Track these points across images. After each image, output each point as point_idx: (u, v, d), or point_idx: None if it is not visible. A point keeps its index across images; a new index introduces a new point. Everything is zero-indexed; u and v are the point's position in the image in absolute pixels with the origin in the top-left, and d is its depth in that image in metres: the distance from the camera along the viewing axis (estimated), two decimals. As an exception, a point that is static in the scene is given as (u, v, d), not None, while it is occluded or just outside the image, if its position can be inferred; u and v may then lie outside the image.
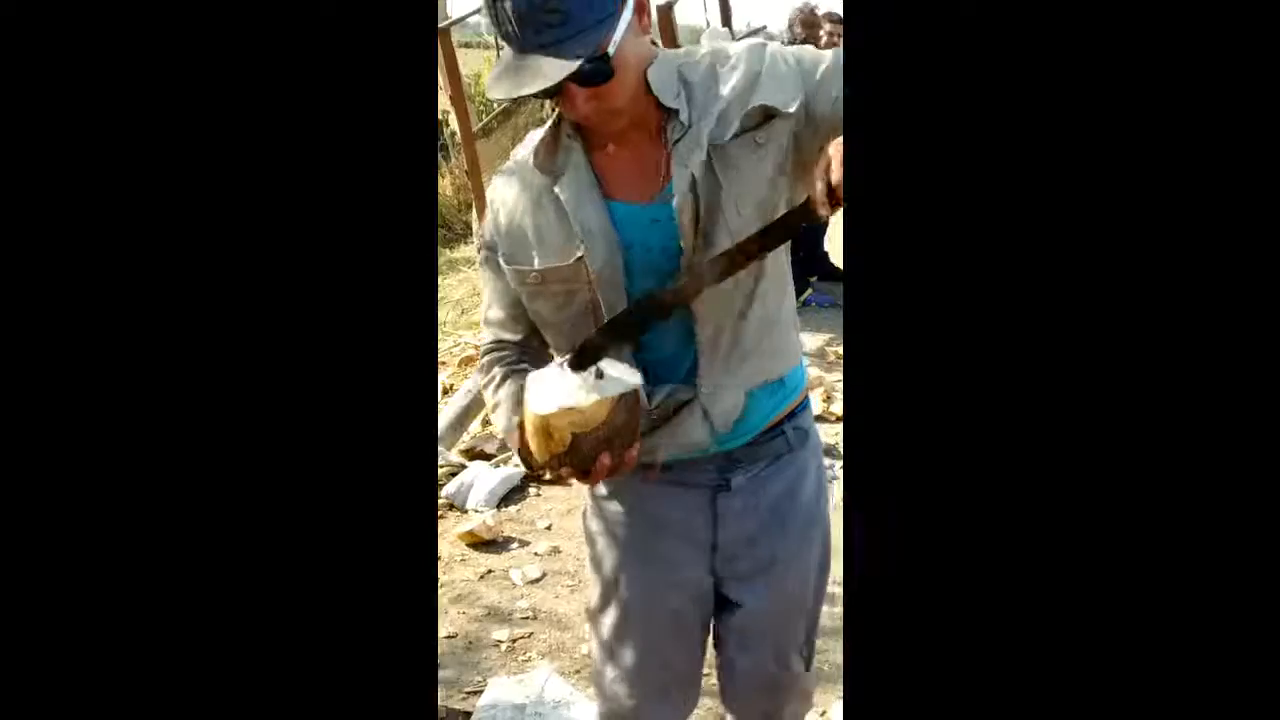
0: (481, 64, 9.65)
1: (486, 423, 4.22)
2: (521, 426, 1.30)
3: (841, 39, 5.60)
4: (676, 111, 1.29)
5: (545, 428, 1.23)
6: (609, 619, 1.58)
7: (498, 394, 1.46)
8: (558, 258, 1.35)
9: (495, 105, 8.33)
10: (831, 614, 1.74)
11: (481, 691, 2.46)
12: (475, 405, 3.94)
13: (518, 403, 1.37)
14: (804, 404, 1.51)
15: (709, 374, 1.38)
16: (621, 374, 1.26)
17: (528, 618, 2.81)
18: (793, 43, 5.26)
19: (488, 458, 3.84)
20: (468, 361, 5.20)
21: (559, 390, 1.24)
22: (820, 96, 1.27)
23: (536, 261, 1.37)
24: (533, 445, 1.27)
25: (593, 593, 1.60)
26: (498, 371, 1.47)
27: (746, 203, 1.28)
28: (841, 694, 2.41)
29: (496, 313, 1.50)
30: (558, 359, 1.30)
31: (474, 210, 5.60)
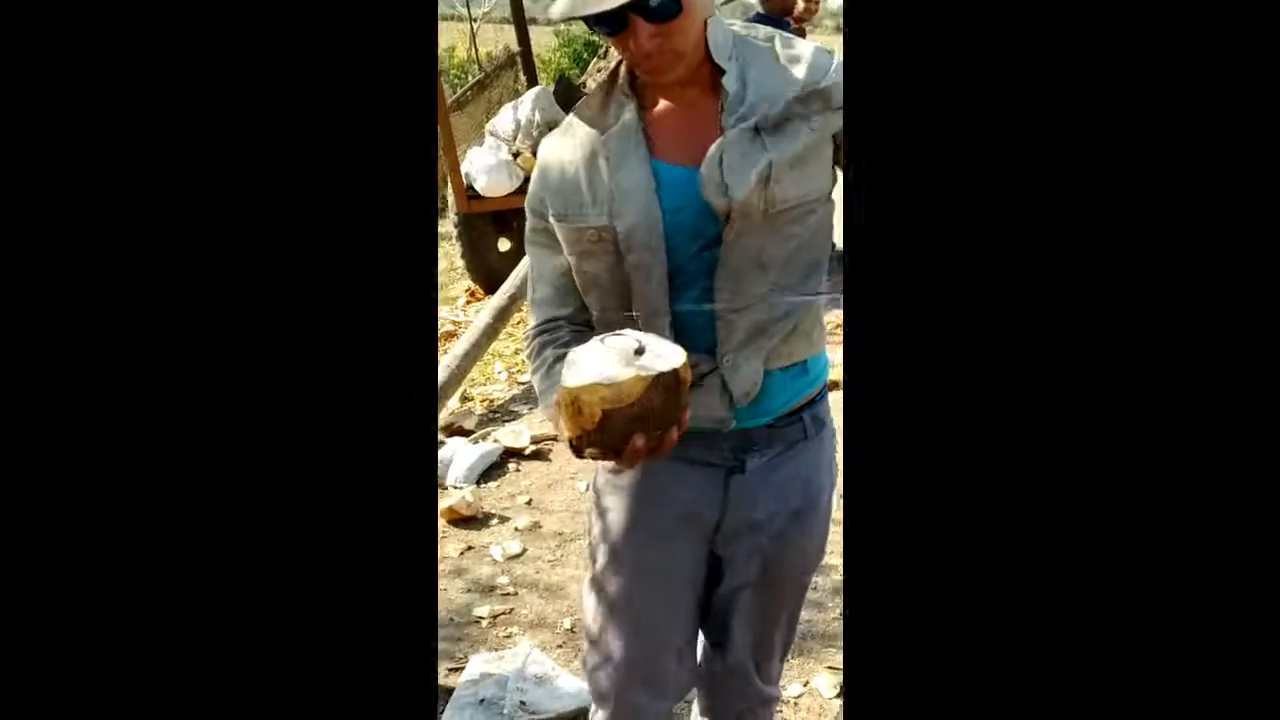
0: (456, 36, 9.56)
1: (465, 398, 4.20)
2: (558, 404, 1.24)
3: (818, 5, 5.56)
4: (725, 74, 1.28)
5: (574, 402, 1.17)
6: (608, 590, 1.55)
7: (548, 378, 1.41)
8: (607, 216, 1.32)
9: (469, 78, 8.27)
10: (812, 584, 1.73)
11: (463, 668, 2.45)
12: (453, 381, 3.92)
13: None
14: (823, 394, 1.50)
15: (727, 345, 1.35)
16: (664, 351, 1.20)
17: (509, 593, 2.80)
18: (769, 14, 5.22)
19: (466, 434, 3.82)
20: (448, 337, 5.17)
21: (594, 364, 1.18)
22: None
23: (591, 218, 1.33)
24: (562, 421, 1.21)
25: (594, 564, 1.58)
26: (550, 354, 1.42)
27: (784, 174, 1.27)
28: (826, 665, 2.42)
29: (544, 289, 1.45)
30: (599, 335, 1.24)
31: (449, 185, 5.55)
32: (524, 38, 6.77)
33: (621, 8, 1.17)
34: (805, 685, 2.36)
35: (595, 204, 1.33)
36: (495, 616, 2.69)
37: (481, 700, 2.31)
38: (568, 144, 1.38)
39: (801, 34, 4.87)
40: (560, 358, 1.38)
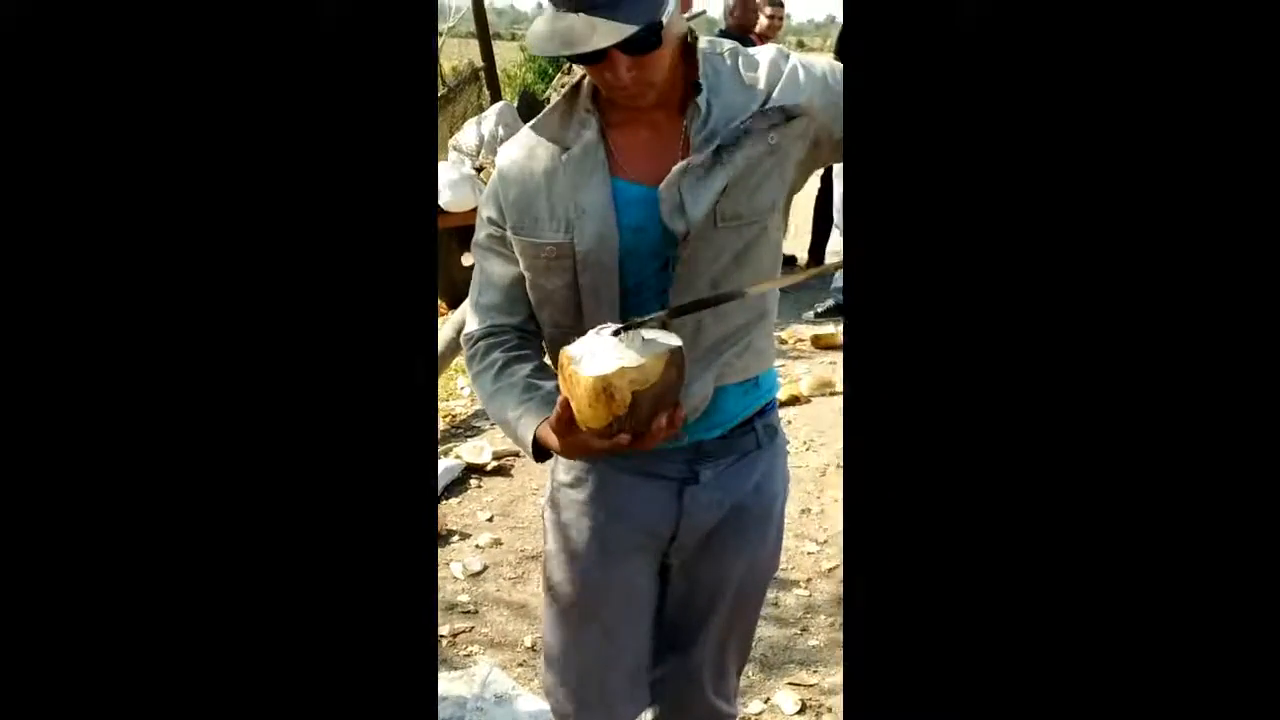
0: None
1: (427, 414, 4.18)
2: (565, 404, 1.23)
3: (781, 22, 5.60)
4: (699, 92, 1.29)
5: (607, 389, 1.18)
6: (563, 607, 1.55)
7: (499, 380, 1.39)
8: (565, 233, 1.32)
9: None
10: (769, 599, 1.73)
11: (422, 687, 2.43)
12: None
13: (525, 389, 1.35)
14: (773, 403, 1.51)
15: None
16: (658, 333, 1.23)
17: (469, 611, 2.78)
18: (733, 27, 5.25)
19: (428, 450, 3.80)
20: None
21: (610, 352, 1.19)
22: (835, 101, 1.31)
23: (547, 235, 1.33)
24: (590, 413, 1.20)
25: (548, 580, 1.57)
26: (498, 357, 1.41)
27: (737, 191, 1.28)
28: (787, 681, 2.42)
29: (492, 296, 1.43)
30: (597, 327, 1.24)
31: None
32: (488, 53, 6.77)
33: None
34: (766, 702, 2.36)
35: (552, 220, 1.33)
36: (456, 635, 2.67)
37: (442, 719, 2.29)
38: (526, 158, 1.37)
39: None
40: (510, 361, 1.39)
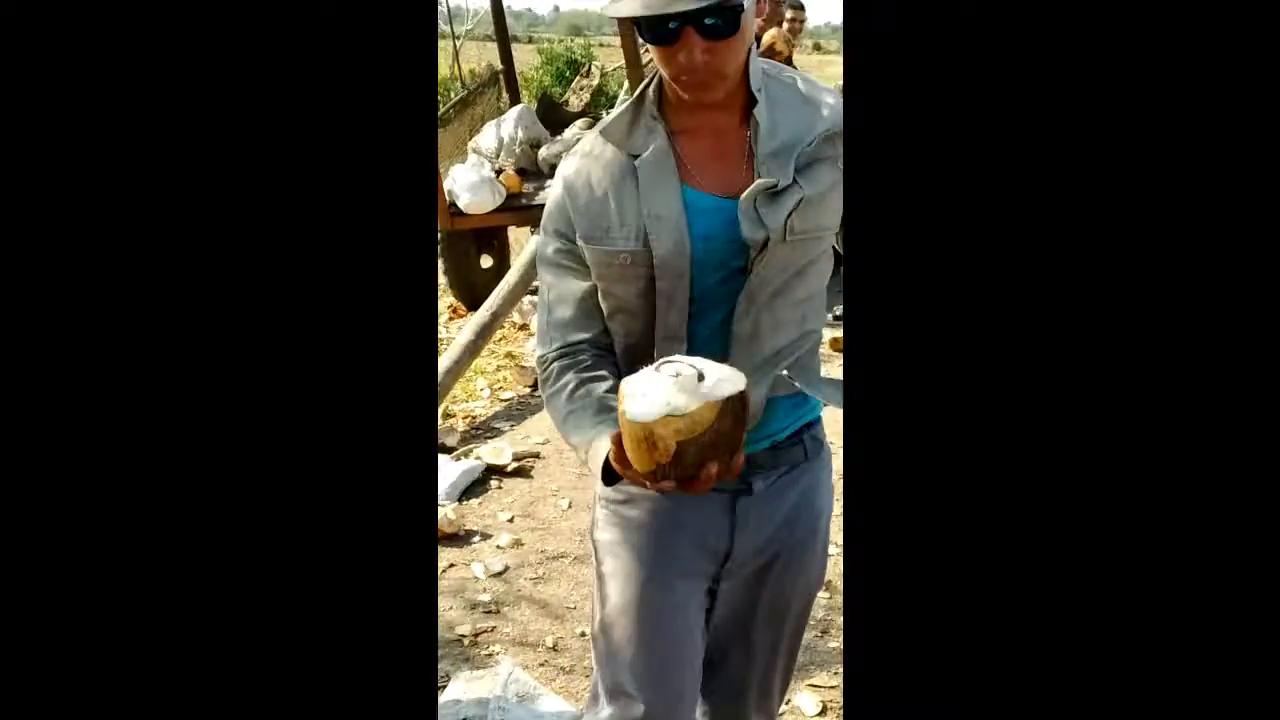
0: (438, 54, 9.58)
1: (447, 415, 4.19)
2: (617, 438, 1.20)
3: (802, 25, 5.59)
4: (757, 104, 1.30)
5: (649, 436, 1.12)
6: (619, 629, 1.47)
7: (571, 403, 1.37)
8: (639, 240, 1.32)
9: (451, 95, 8.27)
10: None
11: (445, 686, 2.44)
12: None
13: (599, 410, 1.33)
14: (819, 417, 1.50)
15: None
16: (724, 375, 1.16)
17: (490, 611, 2.79)
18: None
19: (449, 450, 3.81)
20: (427, 354, 5.15)
21: (660, 395, 1.13)
22: None
23: (619, 243, 1.33)
24: (633, 456, 1.16)
25: (601, 604, 1.50)
26: (570, 378, 1.38)
27: (809, 208, 1.30)
28: (808, 684, 2.42)
29: (565, 311, 1.40)
30: (654, 364, 1.19)
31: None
32: (507, 56, 6.79)
33: (678, 22, 1.20)
34: (788, 704, 2.36)
35: (623, 228, 1.32)
36: (477, 634, 2.68)
37: (464, 719, 2.29)
38: (593, 166, 1.37)
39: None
40: (584, 381, 1.37)
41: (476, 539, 3.20)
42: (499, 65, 6.91)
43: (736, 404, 1.13)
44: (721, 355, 1.32)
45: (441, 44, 9.41)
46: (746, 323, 1.34)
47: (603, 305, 1.38)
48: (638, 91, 1.38)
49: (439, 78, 9.95)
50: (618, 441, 1.19)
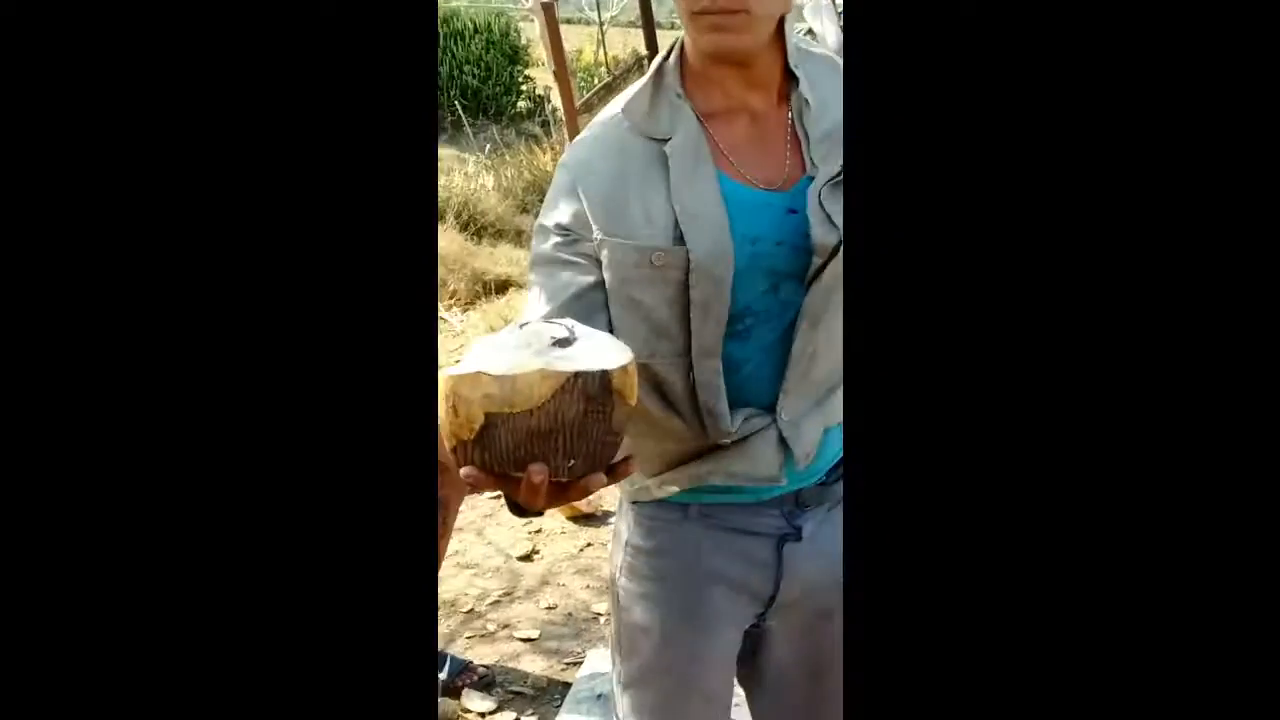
0: (584, 40, 9.69)
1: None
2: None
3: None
4: (798, 81, 1.13)
5: (450, 396, 0.82)
6: (649, 691, 1.33)
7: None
8: (669, 237, 1.10)
9: (596, 81, 8.35)
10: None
11: (581, 663, 2.48)
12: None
13: None
14: None
15: (794, 400, 1.17)
16: (599, 347, 0.85)
17: (627, 591, 2.82)
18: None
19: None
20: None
21: (493, 352, 0.84)
22: None
23: (644, 239, 1.11)
24: (440, 421, 0.83)
25: (626, 657, 1.34)
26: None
27: None
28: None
29: (545, 307, 1.13)
30: (537, 319, 0.92)
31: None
32: (651, 41, 6.80)
33: None
34: None
35: (648, 223, 1.11)
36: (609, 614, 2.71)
37: (599, 696, 2.33)
38: (610, 151, 1.16)
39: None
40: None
41: (614, 519, 3.23)
42: (644, 51, 6.93)
43: (595, 387, 0.80)
44: (774, 382, 1.16)
45: (587, 30, 9.51)
46: (807, 343, 1.14)
47: (615, 313, 1.13)
48: (654, 64, 1.17)
49: (584, 64, 10.07)
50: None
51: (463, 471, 0.82)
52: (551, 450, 0.81)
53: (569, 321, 0.88)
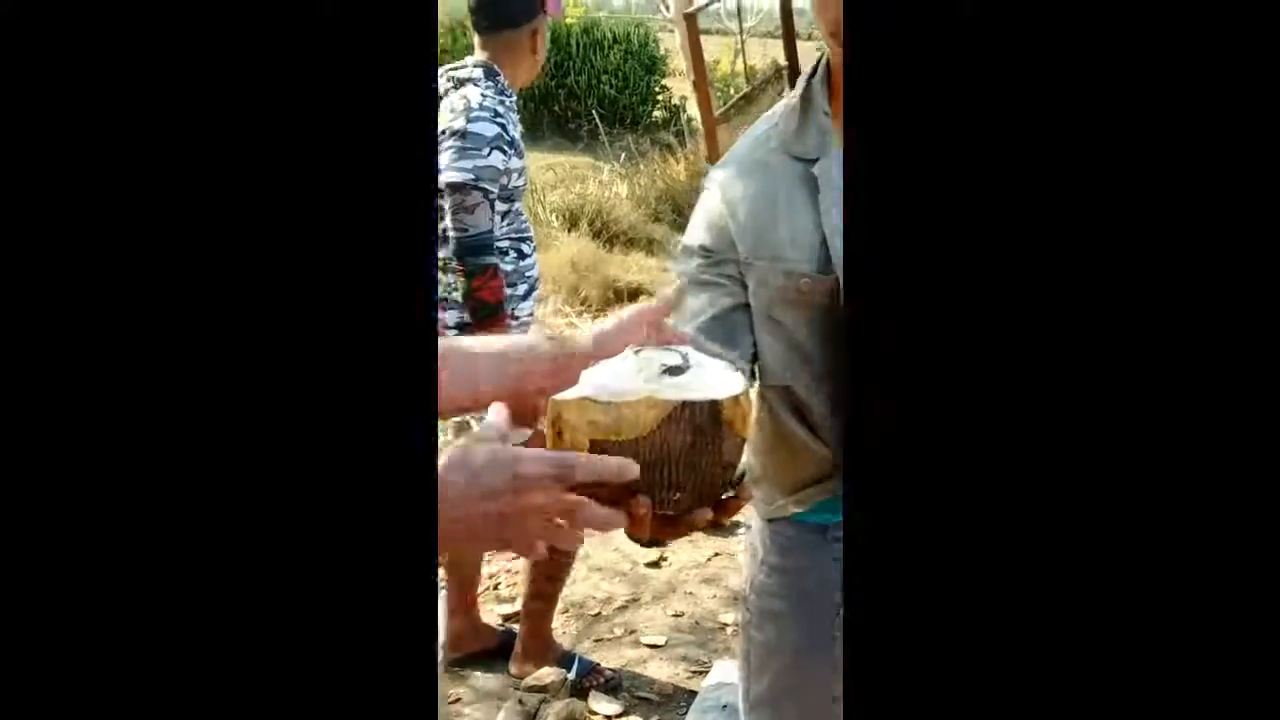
0: (722, 50, 9.69)
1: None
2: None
3: None
4: None
5: (556, 421, 0.80)
6: (774, 714, 1.32)
7: None
8: (815, 262, 1.09)
9: (733, 92, 8.34)
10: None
11: (708, 672, 2.48)
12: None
13: None
14: None
15: None
16: (714, 377, 0.82)
17: (754, 603, 2.80)
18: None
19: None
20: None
21: (603, 376, 0.83)
22: None
23: (791, 262, 1.10)
24: (547, 445, 0.83)
25: (757, 675, 1.33)
26: None
27: None
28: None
29: (711, 326, 1.11)
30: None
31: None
32: (791, 52, 6.77)
33: None
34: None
35: (794, 246, 1.11)
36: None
37: (724, 705, 2.32)
38: (756, 173, 1.16)
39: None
40: None
41: (742, 529, 3.22)
42: (783, 61, 6.90)
43: (705, 418, 0.78)
44: None
45: (725, 40, 9.51)
46: None
47: (767, 345, 1.13)
48: (801, 84, 1.16)
49: (722, 74, 10.07)
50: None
51: (563, 501, 0.78)
52: (657, 481, 0.78)
53: (684, 348, 0.86)
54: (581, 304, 5.85)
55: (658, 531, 0.82)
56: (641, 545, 0.91)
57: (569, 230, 6.86)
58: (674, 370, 0.81)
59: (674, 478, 0.78)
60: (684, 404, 0.77)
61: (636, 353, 0.85)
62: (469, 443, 0.81)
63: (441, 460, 0.78)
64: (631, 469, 0.76)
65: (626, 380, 0.81)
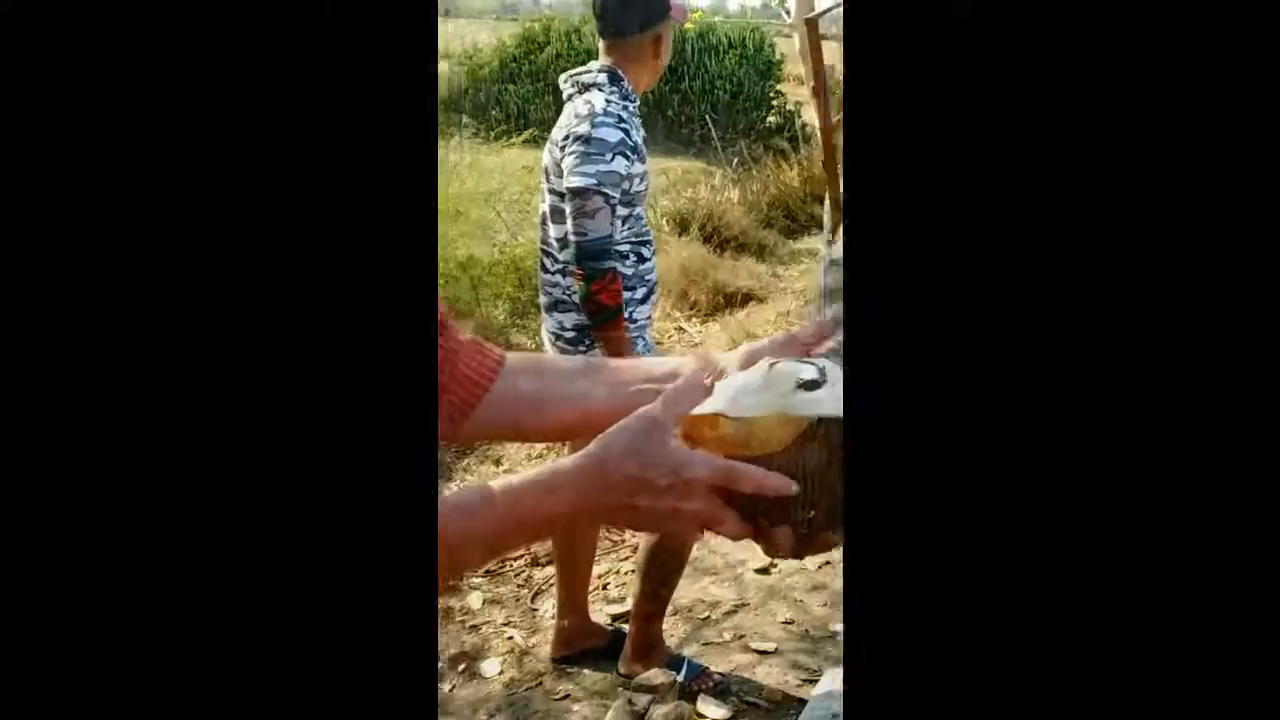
0: (838, 57, 9.60)
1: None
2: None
3: None
4: None
5: (689, 436, 0.79)
6: None
7: None
8: None
9: (849, 97, 8.25)
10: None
11: (817, 680, 2.46)
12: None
13: None
14: None
15: None
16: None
17: (864, 614, 2.77)
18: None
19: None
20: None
21: (736, 387, 0.81)
22: None
23: None
24: None
25: None
26: None
27: None
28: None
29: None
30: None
31: (825, 201, 5.59)
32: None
33: None
34: None
35: None
36: (850, 635, 2.68)
37: (834, 715, 2.30)
38: None
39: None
40: None
41: (853, 540, 3.20)
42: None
43: (840, 435, 0.74)
44: None
45: (839, 47, 9.44)
46: None
47: None
48: None
49: (836, 79, 9.99)
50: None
51: (700, 509, 0.77)
52: (791, 500, 0.75)
53: (822, 362, 0.82)
54: (691, 309, 5.87)
55: (790, 553, 0.80)
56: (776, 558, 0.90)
57: (679, 235, 6.88)
58: (810, 385, 0.79)
59: (808, 496, 0.76)
60: (820, 420, 0.75)
61: (772, 366, 0.82)
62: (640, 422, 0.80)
63: (613, 431, 0.79)
64: (791, 486, 0.75)
65: (760, 395, 0.79)
